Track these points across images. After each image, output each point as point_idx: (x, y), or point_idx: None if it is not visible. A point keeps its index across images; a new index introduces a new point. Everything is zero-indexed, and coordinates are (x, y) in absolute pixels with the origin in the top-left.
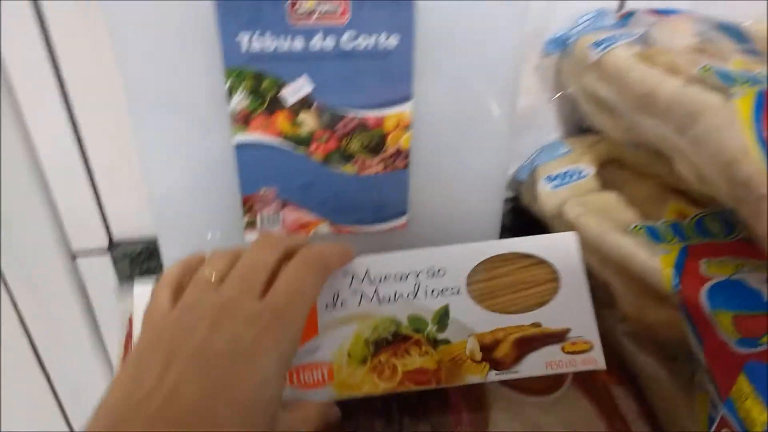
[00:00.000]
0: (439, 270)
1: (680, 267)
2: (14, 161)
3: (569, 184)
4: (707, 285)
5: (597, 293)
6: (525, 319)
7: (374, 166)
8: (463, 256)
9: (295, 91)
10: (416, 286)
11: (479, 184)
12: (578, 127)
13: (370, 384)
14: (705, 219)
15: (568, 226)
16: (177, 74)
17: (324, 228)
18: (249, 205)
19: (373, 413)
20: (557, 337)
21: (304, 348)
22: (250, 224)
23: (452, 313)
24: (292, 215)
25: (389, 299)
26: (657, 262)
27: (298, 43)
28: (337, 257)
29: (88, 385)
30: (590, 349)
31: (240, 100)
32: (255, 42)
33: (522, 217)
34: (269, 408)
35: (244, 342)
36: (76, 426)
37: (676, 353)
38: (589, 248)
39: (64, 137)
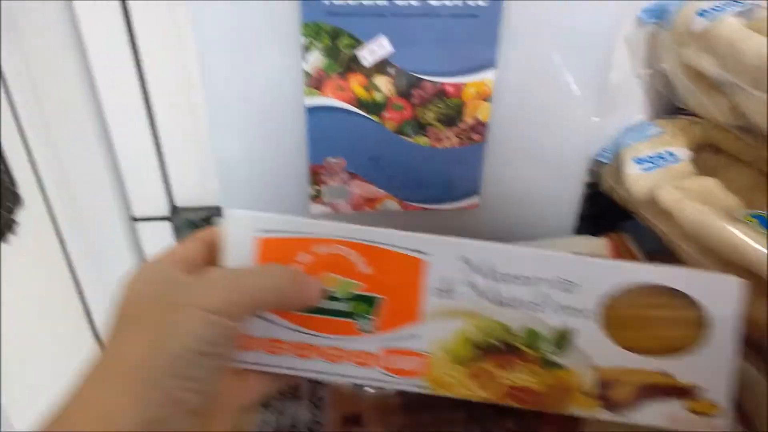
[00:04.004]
0: (572, 284)
1: None
2: (80, 119)
3: (662, 167)
4: None
5: None
6: (656, 364)
7: (449, 139)
8: (604, 274)
9: (373, 51)
10: (542, 297)
11: (560, 164)
12: (667, 109)
13: (467, 389)
14: None
15: (663, 212)
16: (252, 30)
17: (391, 204)
18: (316, 176)
19: (454, 405)
20: (685, 392)
21: (401, 332)
22: (316, 196)
23: (575, 339)
24: (359, 189)
25: (507, 303)
26: None
27: None
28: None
29: None
30: (717, 414)
31: (315, 60)
32: None
33: (600, 205)
34: None
35: None
36: None
37: None
38: (689, 237)
39: (132, 97)
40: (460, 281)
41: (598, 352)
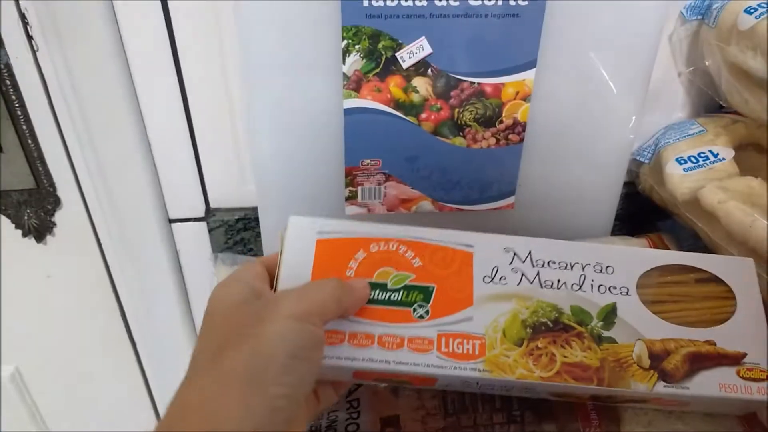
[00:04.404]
0: (607, 267)
1: None
2: (118, 121)
3: (704, 167)
4: None
5: None
6: (698, 334)
7: (486, 140)
8: (634, 258)
9: (412, 53)
10: (581, 278)
11: (598, 165)
12: (708, 106)
13: (525, 369)
14: None
15: (706, 213)
16: (292, 32)
17: (426, 205)
18: (351, 177)
19: (493, 408)
20: (732, 359)
21: (455, 317)
22: (351, 197)
23: (620, 312)
24: (394, 190)
25: (551, 285)
26: None
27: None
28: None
29: (171, 349)
30: (767, 378)
31: (354, 62)
32: None
33: (636, 205)
34: None
35: None
36: (154, 387)
37: None
38: (733, 239)
39: (170, 98)
40: (505, 268)
41: (642, 324)
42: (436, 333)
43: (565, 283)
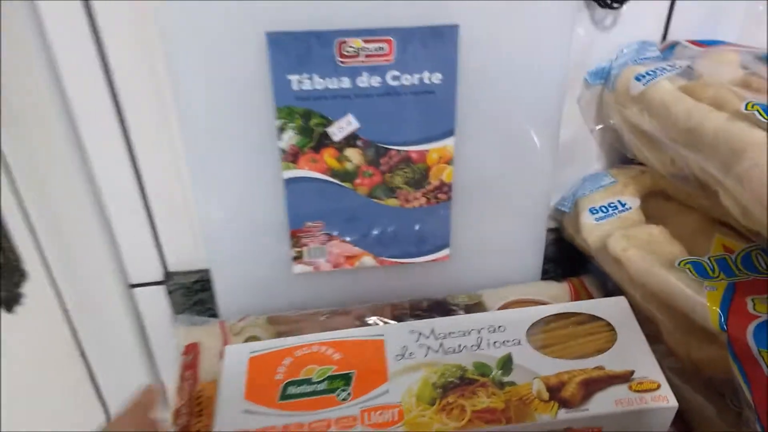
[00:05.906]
0: (499, 326)
1: (727, 304)
2: (77, 195)
3: (614, 216)
4: (754, 323)
5: (642, 328)
6: (587, 363)
7: (417, 200)
8: (520, 317)
9: (341, 128)
10: (479, 339)
11: (522, 215)
12: (621, 158)
13: (440, 423)
14: (752, 254)
15: (613, 260)
16: (231, 114)
17: (368, 260)
18: (296, 239)
19: None
20: (622, 378)
21: (374, 392)
22: (298, 257)
23: (515, 359)
24: (337, 248)
25: (454, 350)
26: (703, 300)
27: (345, 82)
28: None
29: None
30: (658, 387)
31: (289, 138)
32: (304, 81)
33: (566, 249)
34: None
35: None
36: None
37: (723, 389)
38: (635, 283)
39: (124, 173)
40: (412, 345)
41: (537, 365)
42: (359, 410)
43: (465, 346)
